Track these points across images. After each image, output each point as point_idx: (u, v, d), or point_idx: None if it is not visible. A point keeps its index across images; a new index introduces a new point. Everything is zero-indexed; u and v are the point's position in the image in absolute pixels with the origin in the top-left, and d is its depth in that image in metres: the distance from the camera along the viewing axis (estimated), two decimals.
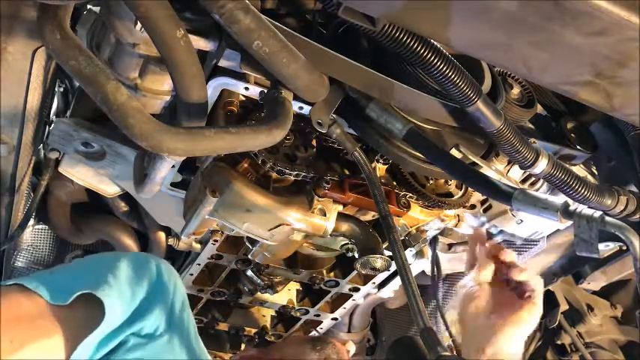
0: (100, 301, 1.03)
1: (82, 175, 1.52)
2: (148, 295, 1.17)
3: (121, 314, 1.10)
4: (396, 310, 2.31)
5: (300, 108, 1.20)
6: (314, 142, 1.38)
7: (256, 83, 1.18)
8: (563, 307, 2.54)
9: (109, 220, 1.86)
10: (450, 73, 1.01)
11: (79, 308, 1.02)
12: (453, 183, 1.48)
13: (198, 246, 1.61)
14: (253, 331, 2.08)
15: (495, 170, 1.29)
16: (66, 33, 0.90)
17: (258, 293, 1.81)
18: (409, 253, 1.64)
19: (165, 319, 1.21)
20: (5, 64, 1.17)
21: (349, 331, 2.29)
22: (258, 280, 1.79)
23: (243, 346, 2.14)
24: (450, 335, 1.77)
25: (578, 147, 1.48)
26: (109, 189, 1.57)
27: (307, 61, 1.03)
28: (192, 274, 1.72)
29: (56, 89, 1.53)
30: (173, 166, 1.36)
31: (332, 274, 1.75)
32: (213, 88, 1.17)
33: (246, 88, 1.19)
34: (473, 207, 1.63)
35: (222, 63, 1.14)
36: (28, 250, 2.06)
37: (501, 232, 1.73)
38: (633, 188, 1.40)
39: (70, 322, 1.01)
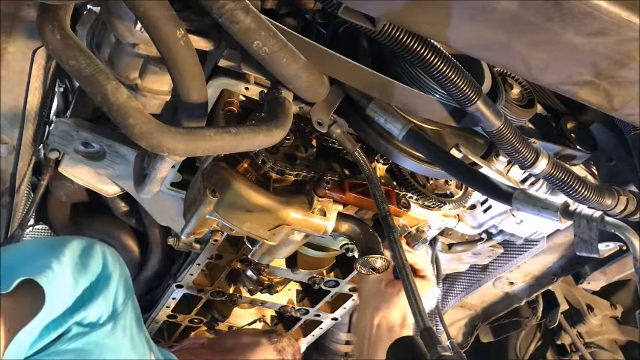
0: (42, 287, 1.01)
1: (82, 175, 1.52)
2: (91, 284, 1.16)
3: (63, 302, 1.08)
4: None
5: (300, 108, 1.20)
6: (314, 142, 1.38)
7: (256, 83, 1.18)
8: (563, 307, 2.54)
9: (109, 220, 1.86)
10: (450, 73, 1.01)
11: (21, 295, 1.00)
12: (453, 183, 1.48)
13: (198, 246, 1.61)
14: (256, 325, 2.08)
15: (495, 170, 1.29)
16: (66, 33, 0.90)
17: (258, 293, 1.81)
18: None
19: (108, 307, 1.20)
20: (5, 64, 1.17)
21: (349, 331, 2.29)
22: (258, 280, 1.79)
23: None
24: (448, 336, 1.77)
25: (578, 147, 1.48)
26: (109, 189, 1.57)
27: (307, 61, 1.03)
28: (192, 274, 1.72)
29: (56, 89, 1.53)
30: (173, 166, 1.36)
31: (332, 274, 1.75)
32: (213, 88, 1.17)
33: (246, 88, 1.19)
34: (473, 207, 1.63)
35: (222, 63, 1.14)
36: None
37: (501, 232, 1.73)
38: (633, 188, 1.40)
39: (11, 310, 0.98)
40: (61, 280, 1.08)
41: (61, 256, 1.12)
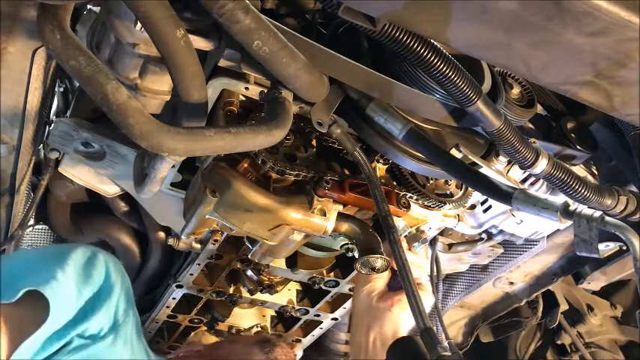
0: (46, 298, 1.01)
1: (82, 175, 1.52)
2: (94, 295, 1.17)
3: (66, 313, 1.08)
4: None
5: (300, 108, 1.20)
6: (314, 142, 1.38)
7: (256, 83, 1.18)
8: (563, 307, 2.54)
9: (109, 220, 1.86)
10: (450, 73, 1.01)
11: (25, 305, 1.00)
12: (453, 183, 1.48)
13: (198, 246, 1.61)
14: (253, 331, 2.08)
15: (495, 170, 1.29)
16: (66, 33, 0.90)
17: (258, 293, 1.81)
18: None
19: (110, 319, 1.21)
20: (5, 64, 1.17)
21: (349, 331, 2.29)
22: (258, 280, 1.79)
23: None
24: (447, 337, 1.77)
25: (578, 147, 1.48)
26: (109, 189, 1.57)
27: (307, 61, 1.03)
28: (192, 274, 1.72)
29: (56, 89, 1.53)
30: (173, 166, 1.36)
31: (332, 274, 1.75)
32: (213, 88, 1.17)
33: (246, 88, 1.19)
34: (473, 207, 1.63)
35: (222, 63, 1.14)
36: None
37: (501, 232, 1.73)
38: (633, 188, 1.40)
39: (15, 320, 0.98)
40: (66, 290, 1.08)
41: (66, 266, 1.12)
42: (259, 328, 2.07)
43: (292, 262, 1.66)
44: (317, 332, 2.06)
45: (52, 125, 1.39)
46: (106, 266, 1.22)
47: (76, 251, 1.19)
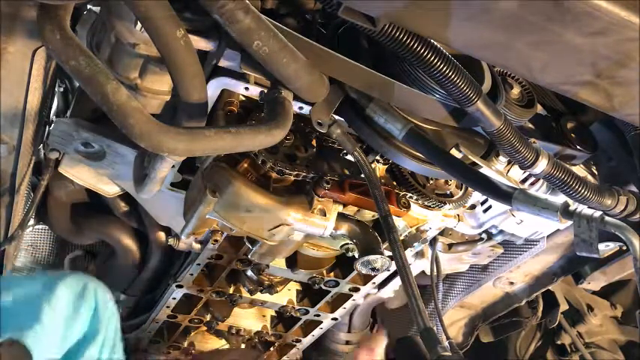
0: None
1: (82, 175, 1.52)
2: (82, 337, 1.17)
3: (50, 355, 1.08)
4: (396, 310, 2.31)
5: (300, 108, 1.20)
6: (314, 142, 1.38)
7: (256, 83, 1.18)
8: (563, 307, 2.54)
9: (109, 220, 1.86)
10: (450, 73, 1.01)
11: (7, 349, 0.99)
12: (453, 183, 1.48)
13: (198, 246, 1.61)
14: (253, 331, 2.08)
15: (495, 170, 1.29)
16: (66, 33, 0.90)
17: (258, 293, 1.82)
18: (409, 253, 1.64)
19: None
20: (5, 64, 1.17)
21: (349, 331, 2.29)
22: (258, 280, 1.79)
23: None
24: (447, 337, 1.77)
25: (578, 147, 1.48)
26: (109, 189, 1.57)
27: (307, 61, 1.03)
28: (192, 274, 1.72)
29: (56, 89, 1.53)
30: (173, 166, 1.36)
31: (332, 274, 1.76)
32: (213, 88, 1.17)
33: (246, 88, 1.19)
34: (473, 207, 1.63)
35: (222, 63, 1.14)
36: (28, 250, 2.06)
37: (501, 232, 1.73)
38: (633, 188, 1.40)
39: None
40: (50, 333, 1.07)
41: (54, 303, 1.11)
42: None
43: (292, 262, 1.66)
44: (317, 332, 2.06)
45: (52, 125, 1.39)
46: (96, 297, 1.22)
47: (66, 283, 1.18)
